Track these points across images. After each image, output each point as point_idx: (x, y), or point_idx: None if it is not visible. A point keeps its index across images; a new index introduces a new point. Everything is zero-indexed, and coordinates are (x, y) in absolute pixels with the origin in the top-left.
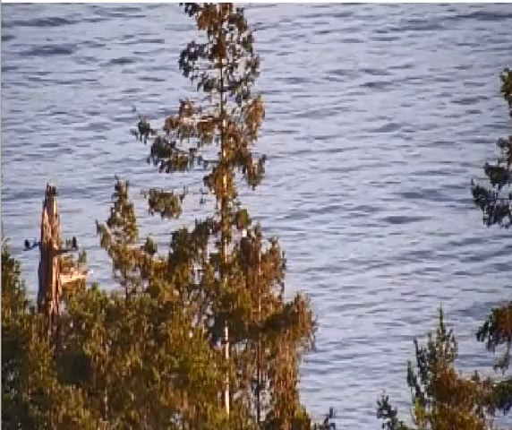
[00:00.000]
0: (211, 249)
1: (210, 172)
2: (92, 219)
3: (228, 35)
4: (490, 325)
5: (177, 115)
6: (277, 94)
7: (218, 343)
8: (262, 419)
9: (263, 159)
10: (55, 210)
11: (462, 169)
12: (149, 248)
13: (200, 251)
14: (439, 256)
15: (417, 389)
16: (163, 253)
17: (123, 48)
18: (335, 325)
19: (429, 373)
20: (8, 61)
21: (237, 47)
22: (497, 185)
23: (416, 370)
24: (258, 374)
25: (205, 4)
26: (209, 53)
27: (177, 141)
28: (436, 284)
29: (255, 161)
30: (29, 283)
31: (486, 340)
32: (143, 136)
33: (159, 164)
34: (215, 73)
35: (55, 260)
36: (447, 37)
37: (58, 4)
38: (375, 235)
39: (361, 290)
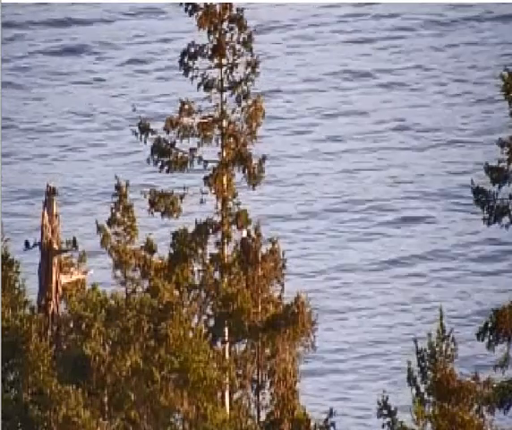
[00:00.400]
0: (211, 249)
1: (210, 172)
2: (101, 220)
3: (228, 35)
4: (490, 325)
5: (177, 115)
6: (287, 95)
7: (218, 343)
8: (262, 419)
9: (263, 159)
10: (55, 210)
11: (474, 169)
12: (149, 248)
13: (200, 251)
14: (452, 256)
15: (417, 389)
16: (163, 252)
17: (134, 49)
18: (338, 325)
19: (429, 373)
20: (19, 61)
21: (237, 47)
22: (497, 185)
23: (416, 370)
24: (258, 374)
25: (205, 4)
26: (209, 53)
27: (177, 141)
28: (447, 284)
29: (255, 161)
30: (30, 283)
31: (486, 340)
32: (143, 136)
33: (159, 164)
34: (215, 73)
35: (55, 260)
36: (458, 37)
37: (69, 5)
38: (387, 235)
39: (371, 291)
